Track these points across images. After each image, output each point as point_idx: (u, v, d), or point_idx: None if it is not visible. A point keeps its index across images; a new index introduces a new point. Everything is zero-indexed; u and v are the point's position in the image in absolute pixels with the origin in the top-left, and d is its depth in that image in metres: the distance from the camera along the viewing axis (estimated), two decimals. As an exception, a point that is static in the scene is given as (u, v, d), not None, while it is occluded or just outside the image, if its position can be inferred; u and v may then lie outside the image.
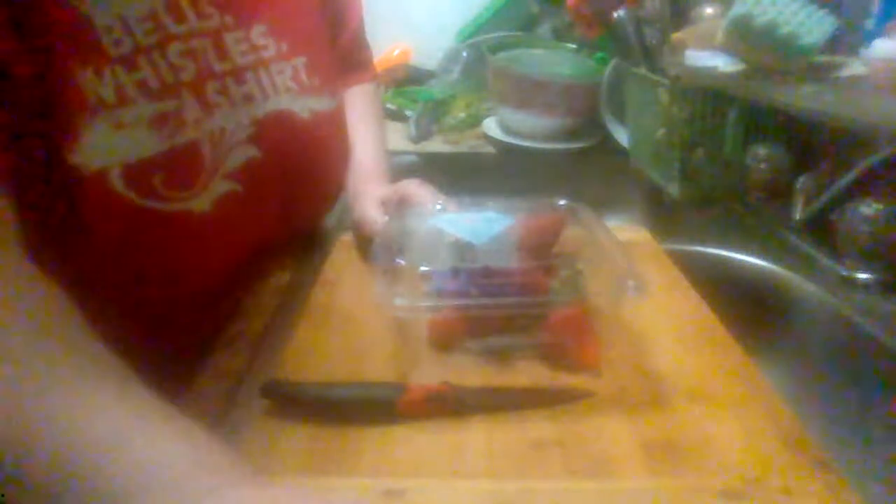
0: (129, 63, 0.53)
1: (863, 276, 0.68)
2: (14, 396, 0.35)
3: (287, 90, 0.66)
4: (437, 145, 1.30)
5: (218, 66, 0.60)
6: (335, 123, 0.76)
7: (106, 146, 0.53)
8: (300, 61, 0.68)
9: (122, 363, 0.39)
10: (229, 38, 0.61)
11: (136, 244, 0.57)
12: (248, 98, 0.62)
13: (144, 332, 0.60)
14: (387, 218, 0.65)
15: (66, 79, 0.50)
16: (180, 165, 0.58)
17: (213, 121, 0.59)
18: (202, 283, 0.62)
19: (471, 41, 1.47)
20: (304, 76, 0.68)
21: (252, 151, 0.63)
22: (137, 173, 0.55)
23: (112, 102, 0.53)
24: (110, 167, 0.53)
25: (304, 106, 0.68)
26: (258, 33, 0.63)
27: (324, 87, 0.71)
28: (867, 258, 0.67)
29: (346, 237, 0.75)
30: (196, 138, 0.58)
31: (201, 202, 0.59)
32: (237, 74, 0.61)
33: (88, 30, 0.51)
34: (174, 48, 0.56)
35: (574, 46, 1.33)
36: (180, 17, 0.57)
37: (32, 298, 0.40)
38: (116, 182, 0.54)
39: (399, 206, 0.65)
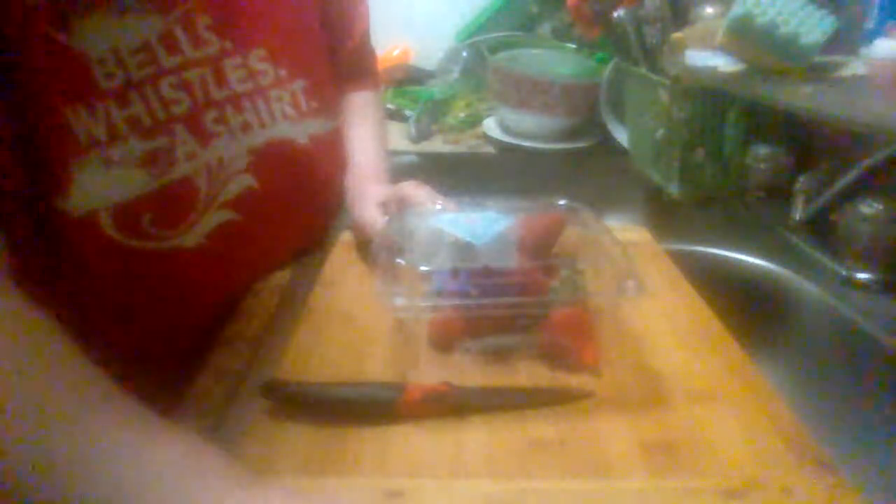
0: (120, 98, 0.52)
1: (863, 276, 0.68)
2: (3, 416, 0.35)
3: (285, 117, 0.65)
4: (437, 145, 1.30)
5: (216, 94, 0.59)
6: (335, 143, 0.75)
7: (95, 187, 0.52)
8: (299, 85, 0.67)
9: (110, 380, 0.38)
10: (228, 65, 0.60)
11: (126, 282, 0.57)
12: (246, 127, 0.62)
13: (144, 335, 0.60)
14: (386, 218, 0.65)
15: (53, 119, 0.50)
16: (170, 203, 0.57)
17: (210, 151, 0.59)
18: (202, 308, 0.62)
19: (471, 41, 1.47)
20: (302, 101, 0.67)
21: (249, 181, 0.63)
22: (126, 214, 0.54)
23: (103, 140, 0.52)
24: (99, 209, 0.53)
25: (302, 132, 0.68)
26: (256, 58, 0.62)
27: (323, 109, 0.70)
28: (867, 258, 0.67)
29: (346, 237, 0.75)
30: (189, 173, 0.58)
31: (193, 236, 0.59)
32: (235, 102, 0.61)
33: (81, 64, 0.50)
34: (166, 82, 0.55)
35: (574, 46, 1.34)
36: (174, 49, 0.55)
37: (19, 323, 0.40)
38: (105, 223, 0.53)
39: (399, 207, 0.65)
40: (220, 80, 0.59)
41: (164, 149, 0.56)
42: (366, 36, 0.85)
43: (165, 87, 0.55)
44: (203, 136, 0.58)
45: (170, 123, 0.56)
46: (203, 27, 0.58)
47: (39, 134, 0.50)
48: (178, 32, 0.56)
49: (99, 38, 0.51)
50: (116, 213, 0.54)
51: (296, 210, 0.69)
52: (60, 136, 0.50)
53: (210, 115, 0.59)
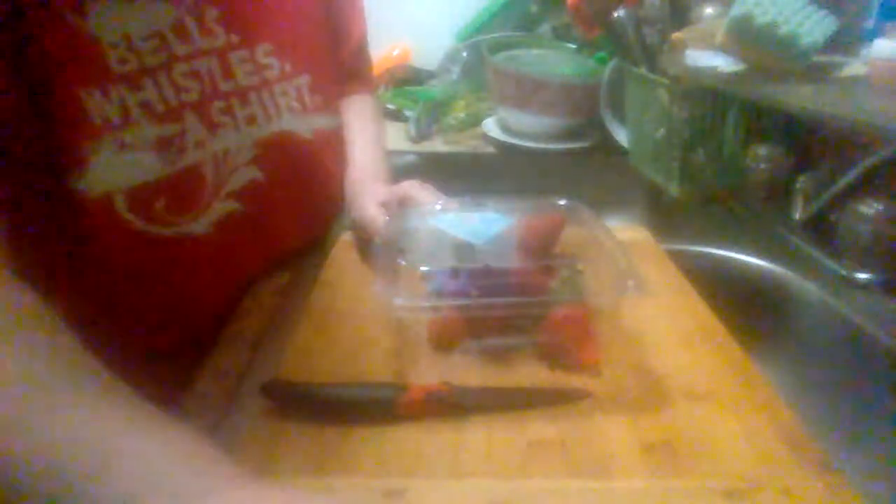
0: (133, 83, 0.54)
1: (863, 276, 0.67)
2: (3, 407, 0.35)
3: (290, 111, 0.66)
4: (437, 145, 1.29)
5: (223, 86, 0.60)
6: (337, 140, 0.76)
7: (110, 170, 0.53)
8: (303, 80, 0.68)
9: (109, 372, 0.38)
10: (234, 58, 0.61)
11: (139, 267, 0.58)
12: (252, 119, 0.63)
13: (144, 330, 0.61)
14: (387, 218, 0.65)
15: (70, 101, 0.51)
16: (183, 189, 0.58)
17: (216, 142, 0.60)
18: (205, 299, 0.63)
19: (471, 41, 1.47)
20: (306, 96, 0.68)
21: (254, 173, 0.64)
22: (140, 197, 0.55)
23: (117, 123, 0.53)
24: (114, 192, 0.54)
25: (306, 126, 0.68)
26: (263, 52, 0.63)
27: (326, 105, 0.71)
28: (867, 258, 0.67)
29: (346, 237, 0.75)
30: (199, 161, 0.59)
31: (202, 224, 0.60)
32: (242, 95, 0.62)
33: (94, 48, 0.51)
34: (179, 69, 0.56)
35: (574, 46, 1.33)
36: (185, 37, 0.57)
37: (19, 314, 0.40)
38: (120, 206, 0.54)
39: (399, 207, 0.65)
40: (227, 72, 0.60)
41: (176, 135, 0.57)
42: (363, 40, 0.86)
43: (177, 74, 0.56)
44: (210, 126, 0.59)
45: (181, 110, 0.57)
46: (212, 19, 0.59)
47: (57, 114, 0.51)
48: (189, 22, 0.57)
49: (113, 23, 0.52)
50: (131, 196, 0.55)
51: (300, 203, 0.70)
52: (76, 117, 0.51)
53: (217, 106, 0.60)
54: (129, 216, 0.55)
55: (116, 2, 0.52)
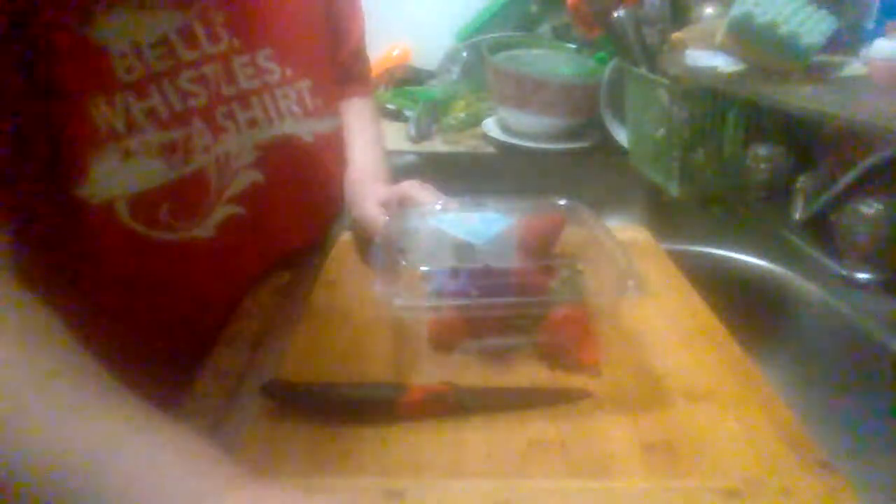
0: (139, 90, 0.54)
1: (863, 276, 0.67)
2: (3, 409, 0.35)
3: (291, 114, 0.67)
4: (437, 145, 1.29)
5: (226, 91, 0.60)
6: (337, 142, 0.77)
7: (114, 177, 0.53)
8: (304, 84, 0.68)
9: (110, 375, 0.38)
10: (237, 62, 0.61)
11: (140, 271, 0.58)
12: (253, 123, 0.63)
13: (145, 334, 0.61)
14: (387, 218, 0.65)
15: (75, 110, 0.51)
16: (187, 194, 0.58)
17: (219, 146, 0.60)
18: (207, 302, 0.63)
19: (471, 41, 1.47)
20: (308, 99, 0.68)
21: (256, 176, 0.64)
22: (143, 204, 0.55)
23: (121, 131, 0.53)
24: (117, 198, 0.54)
25: (307, 129, 0.69)
26: (264, 57, 0.64)
27: (327, 108, 0.71)
28: (867, 258, 0.67)
29: (346, 237, 0.75)
30: (202, 166, 0.59)
31: (206, 229, 0.60)
32: (243, 99, 0.62)
33: (101, 57, 0.51)
34: (185, 75, 0.56)
35: (574, 46, 1.33)
36: (193, 43, 0.57)
37: (22, 318, 0.40)
38: (123, 213, 0.54)
39: (399, 207, 0.65)
40: (230, 77, 0.61)
41: (182, 140, 0.57)
42: (361, 42, 0.86)
43: (184, 80, 0.56)
44: (215, 131, 0.60)
45: (187, 116, 0.57)
46: (218, 24, 0.59)
47: (61, 122, 0.51)
48: (197, 27, 0.57)
49: (120, 32, 0.52)
50: (133, 203, 0.55)
51: (300, 205, 0.70)
52: (81, 125, 0.51)
53: (220, 111, 0.60)
54: (132, 222, 0.55)
55: (125, 10, 0.52)
